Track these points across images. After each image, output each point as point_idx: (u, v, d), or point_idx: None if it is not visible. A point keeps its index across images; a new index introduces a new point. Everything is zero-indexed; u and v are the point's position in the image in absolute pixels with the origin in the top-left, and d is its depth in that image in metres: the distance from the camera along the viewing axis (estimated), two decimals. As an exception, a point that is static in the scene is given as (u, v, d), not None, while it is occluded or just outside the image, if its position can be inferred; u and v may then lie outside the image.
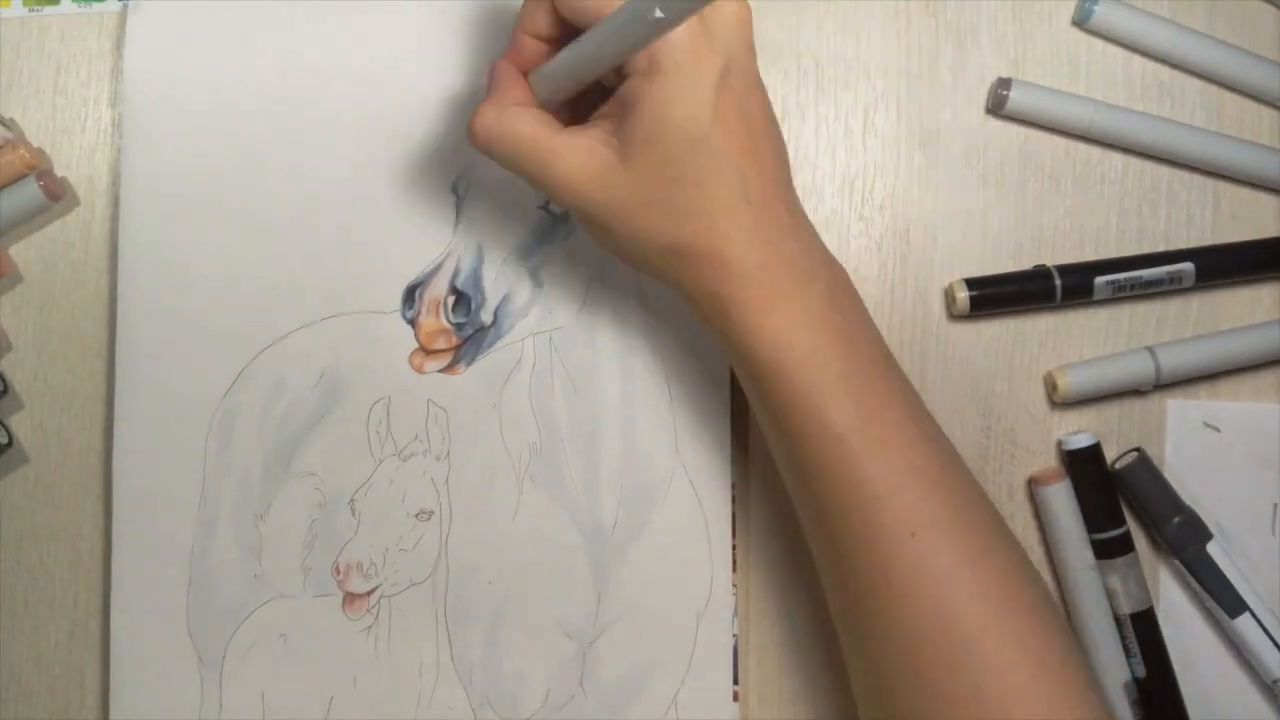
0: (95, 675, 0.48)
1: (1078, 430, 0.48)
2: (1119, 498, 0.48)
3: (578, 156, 0.38)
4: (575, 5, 0.37)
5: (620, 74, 0.38)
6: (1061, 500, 0.48)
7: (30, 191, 0.47)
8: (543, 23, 0.39)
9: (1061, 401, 0.48)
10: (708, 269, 0.38)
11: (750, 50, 0.38)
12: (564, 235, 0.47)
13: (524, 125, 0.38)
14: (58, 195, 0.47)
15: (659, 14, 0.33)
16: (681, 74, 0.36)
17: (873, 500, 0.37)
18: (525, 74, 0.40)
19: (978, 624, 0.37)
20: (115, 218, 0.48)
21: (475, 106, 0.39)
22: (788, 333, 0.38)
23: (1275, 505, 0.49)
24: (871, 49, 0.49)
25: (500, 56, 0.41)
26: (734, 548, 0.47)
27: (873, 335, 0.40)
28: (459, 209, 0.47)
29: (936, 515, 0.38)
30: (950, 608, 0.37)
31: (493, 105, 0.39)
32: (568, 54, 0.38)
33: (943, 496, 0.38)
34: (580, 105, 0.41)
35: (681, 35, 0.36)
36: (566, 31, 0.39)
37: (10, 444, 0.47)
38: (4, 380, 0.48)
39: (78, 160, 0.49)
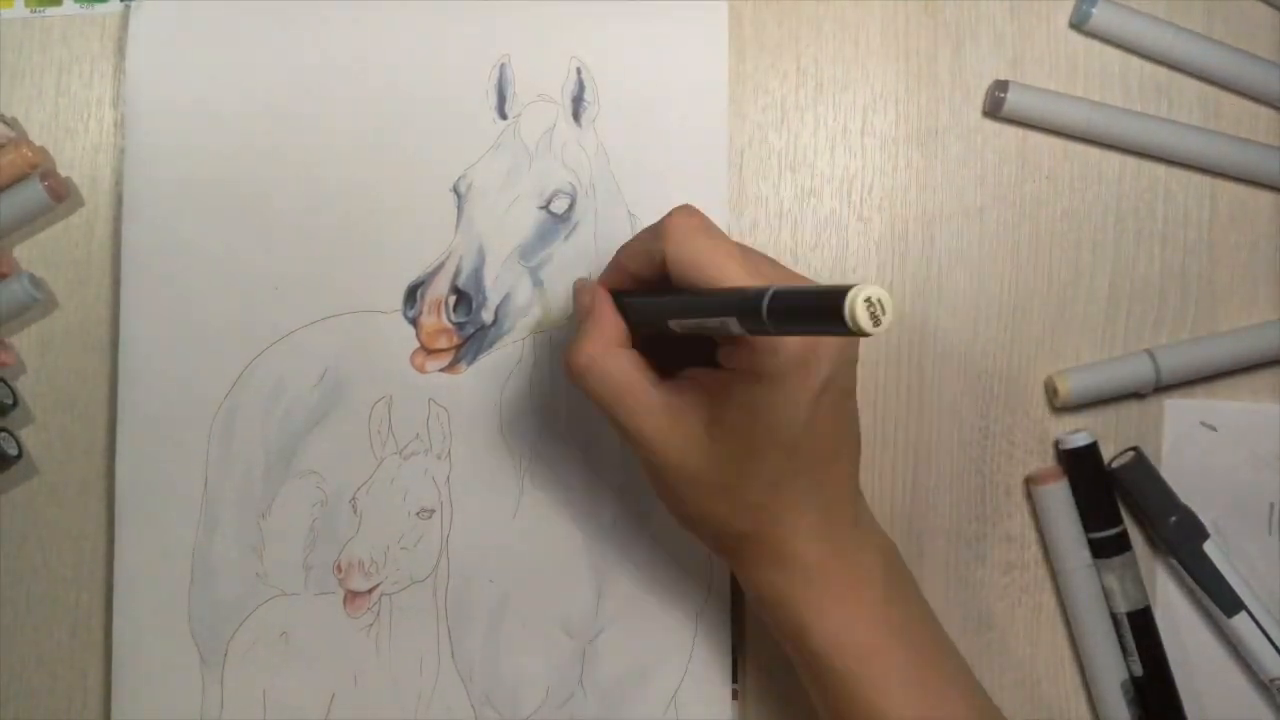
0: (97, 674, 0.48)
1: (1075, 430, 0.48)
2: (1116, 497, 0.48)
3: (668, 418, 0.37)
4: (687, 273, 0.36)
5: (721, 352, 0.38)
6: (1059, 499, 0.48)
7: (34, 192, 0.47)
8: (645, 265, 0.39)
9: (1062, 406, 0.48)
10: (765, 559, 0.39)
11: (853, 365, 0.38)
12: (564, 235, 0.48)
13: (623, 372, 0.38)
14: (61, 196, 0.48)
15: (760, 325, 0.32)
16: (785, 384, 0.36)
17: None
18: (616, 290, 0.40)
19: None
20: (118, 218, 0.48)
21: (574, 337, 0.39)
22: (845, 633, 0.38)
23: (1272, 504, 0.49)
24: (870, 49, 0.49)
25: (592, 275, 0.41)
26: (733, 546, 0.48)
27: (930, 623, 0.41)
28: (460, 209, 0.48)
29: None
30: None
31: (595, 342, 0.38)
32: (670, 303, 0.37)
33: None
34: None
35: (793, 344, 0.36)
36: (665, 279, 0.38)
37: (20, 456, 0.48)
38: (14, 393, 0.48)
39: (80, 160, 0.49)
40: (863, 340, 0.48)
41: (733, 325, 0.33)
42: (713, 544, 0.41)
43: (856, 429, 0.40)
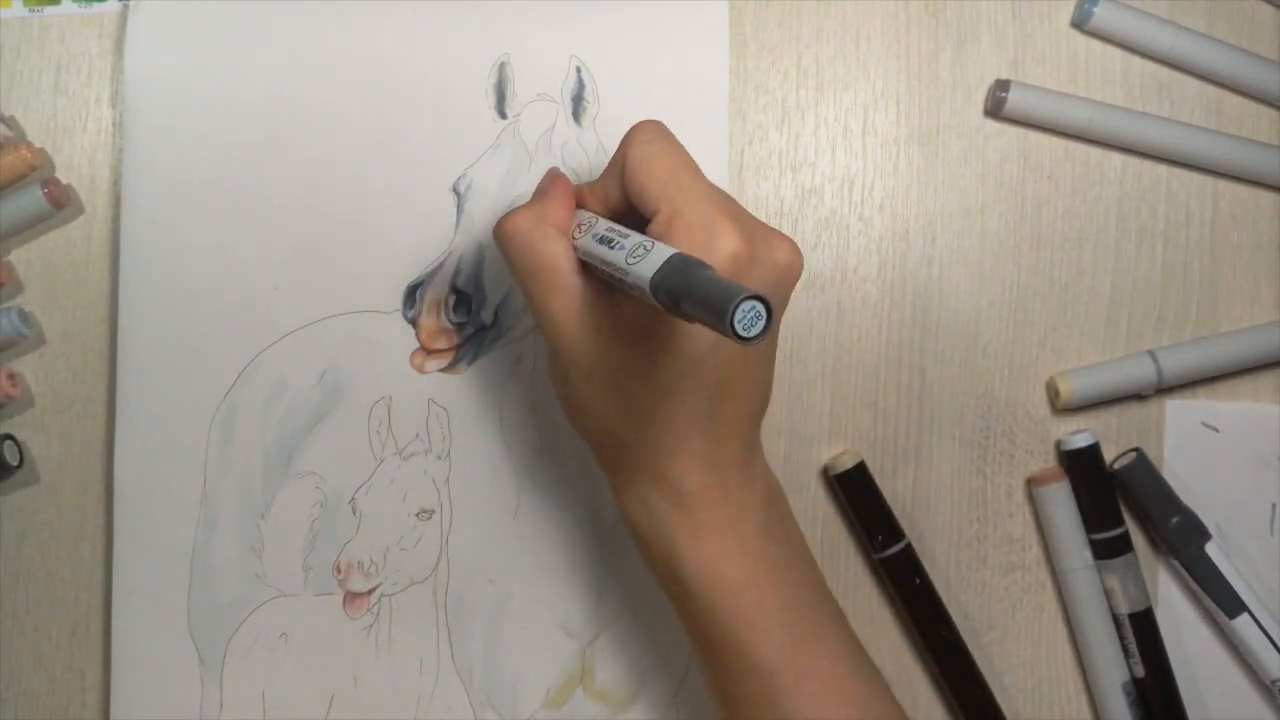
0: (96, 675, 0.48)
1: (1077, 430, 0.48)
2: (1118, 498, 0.48)
3: (581, 302, 0.36)
4: (638, 174, 0.36)
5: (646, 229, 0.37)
6: (1060, 500, 0.48)
7: (34, 199, 0.47)
8: (613, 189, 0.38)
9: (1064, 407, 0.48)
10: (644, 475, 0.38)
11: (785, 300, 0.38)
12: (564, 235, 0.47)
13: (550, 249, 0.37)
14: (62, 204, 0.47)
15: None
16: None
17: None
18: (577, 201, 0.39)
19: None
20: (116, 217, 0.48)
21: (514, 207, 0.39)
22: (717, 564, 0.37)
23: (1274, 505, 0.49)
24: (871, 49, 0.49)
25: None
26: (734, 547, 0.48)
27: (806, 565, 0.40)
28: (460, 208, 0.47)
29: None
30: None
31: (533, 217, 0.38)
32: (607, 231, 0.37)
33: None
34: None
35: (722, 258, 0.35)
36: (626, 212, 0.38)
37: (21, 465, 0.47)
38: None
39: (79, 160, 0.49)
40: (863, 340, 0.48)
41: (639, 285, 0.33)
42: (596, 447, 0.39)
43: (769, 371, 0.39)
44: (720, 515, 0.38)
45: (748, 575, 0.37)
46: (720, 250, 0.35)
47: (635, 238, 0.35)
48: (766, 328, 0.29)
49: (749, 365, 0.38)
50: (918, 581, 0.47)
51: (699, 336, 0.36)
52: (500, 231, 0.38)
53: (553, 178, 0.40)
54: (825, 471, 0.48)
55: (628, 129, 0.38)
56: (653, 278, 0.32)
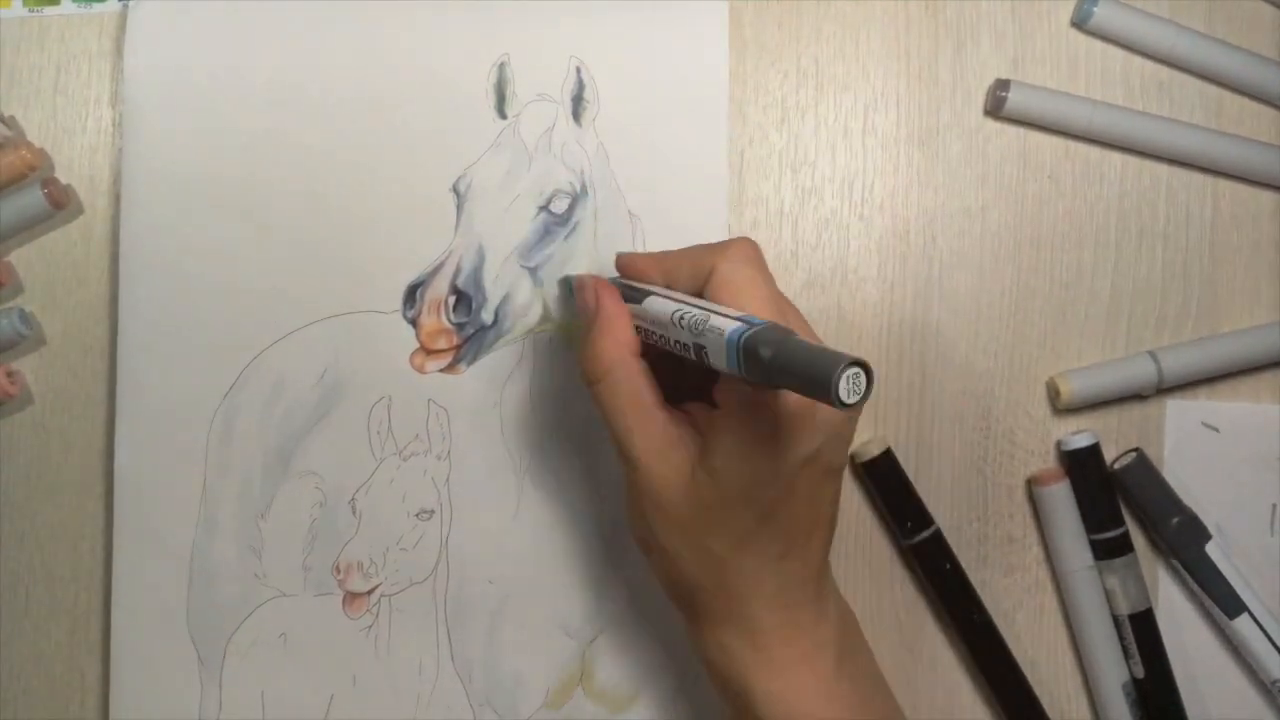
0: (95, 674, 0.48)
1: (1077, 431, 0.48)
2: (1118, 498, 0.48)
3: (664, 444, 0.37)
4: (721, 291, 0.36)
5: (717, 391, 0.37)
6: (1061, 501, 0.48)
7: (34, 199, 0.47)
8: (688, 276, 0.38)
9: (1064, 407, 0.48)
10: (720, 615, 0.38)
11: (846, 445, 0.38)
12: (564, 235, 0.47)
13: (637, 385, 0.37)
14: (62, 204, 0.47)
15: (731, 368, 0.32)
16: (773, 438, 0.35)
17: None
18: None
19: None
20: (116, 217, 0.48)
21: (587, 333, 0.39)
22: (793, 701, 0.37)
23: (1274, 505, 0.49)
24: (871, 49, 0.49)
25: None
26: (734, 547, 0.48)
27: (882, 698, 0.40)
28: (460, 209, 0.47)
29: None
30: None
31: (613, 345, 0.37)
32: (652, 304, 0.37)
33: None
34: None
35: (790, 404, 0.35)
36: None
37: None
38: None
39: (78, 160, 0.49)
40: (863, 340, 0.48)
41: (711, 346, 0.33)
42: (670, 587, 0.40)
43: (835, 509, 0.39)
44: (794, 652, 0.38)
45: (821, 712, 0.37)
46: (783, 396, 0.35)
47: (716, 309, 0.34)
48: (867, 393, 0.28)
49: (820, 506, 0.38)
50: (948, 566, 0.47)
51: (767, 484, 0.36)
52: (592, 374, 0.38)
53: (593, 290, 0.39)
54: (852, 459, 0.48)
55: (725, 242, 0.38)
56: (743, 340, 0.31)
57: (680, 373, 0.38)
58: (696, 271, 0.38)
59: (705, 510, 0.36)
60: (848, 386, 0.28)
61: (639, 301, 0.38)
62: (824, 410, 0.35)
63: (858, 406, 0.29)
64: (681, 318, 0.35)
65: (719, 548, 0.37)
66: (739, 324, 0.33)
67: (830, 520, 0.39)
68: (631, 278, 0.40)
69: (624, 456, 0.38)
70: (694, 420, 0.38)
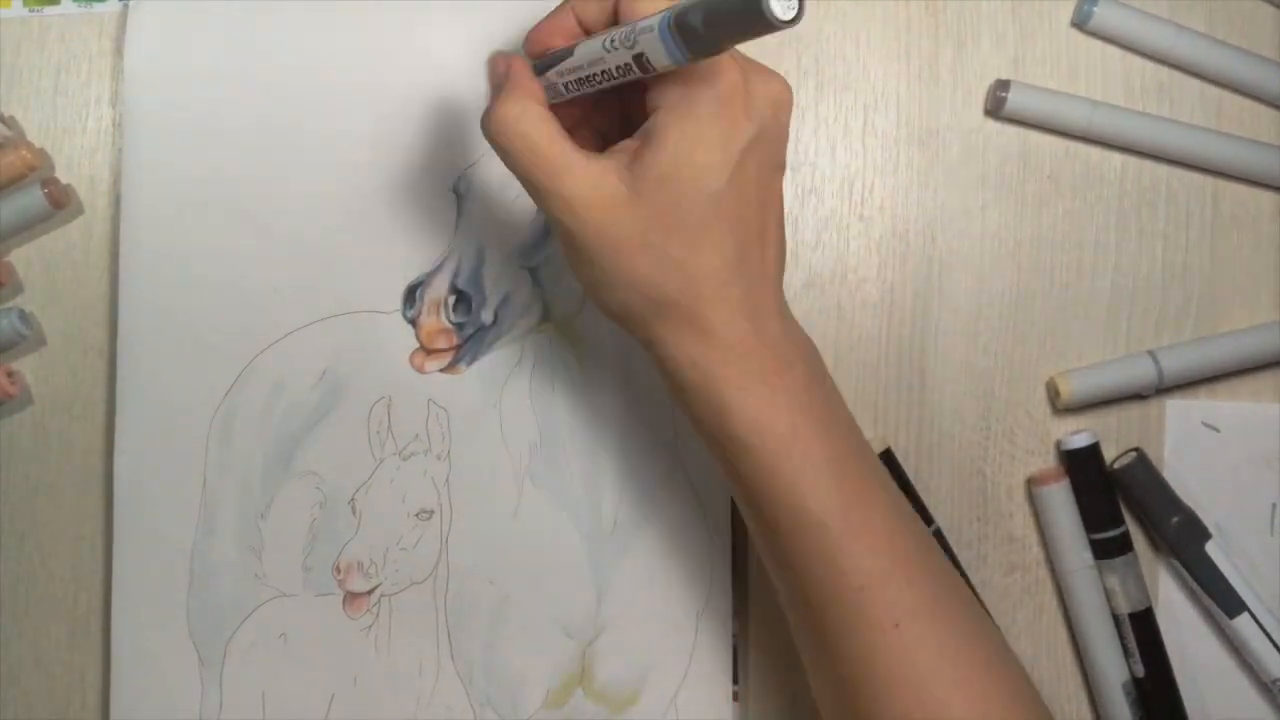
0: (95, 675, 0.48)
1: (1077, 430, 0.48)
2: (1118, 498, 0.48)
3: (589, 178, 0.37)
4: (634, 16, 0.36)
5: (648, 108, 0.37)
6: (1060, 500, 0.48)
7: (34, 199, 0.47)
8: (596, 12, 0.38)
9: (1064, 407, 0.48)
10: (688, 332, 0.37)
11: (784, 135, 0.38)
12: (564, 235, 0.47)
13: (543, 132, 0.37)
14: (62, 204, 0.47)
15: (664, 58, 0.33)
16: (715, 121, 0.36)
17: (856, 591, 0.37)
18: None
19: (961, 715, 0.37)
20: (116, 217, 0.48)
21: (491, 99, 0.38)
22: (767, 414, 0.37)
23: (1274, 505, 0.49)
24: (871, 49, 0.49)
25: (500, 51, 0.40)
26: (734, 547, 0.48)
27: (848, 420, 0.40)
28: (460, 209, 0.47)
29: (918, 606, 0.37)
30: (933, 697, 0.37)
31: (515, 101, 0.37)
32: (582, 50, 0.37)
33: (924, 586, 0.38)
34: (591, 135, 0.41)
35: (724, 87, 0.35)
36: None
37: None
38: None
39: (78, 160, 0.49)
40: (863, 340, 0.48)
41: (648, 47, 0.34)
42: (636, 318, 0.38)
43: (782, 223, 0.39)
44: (766, 365, 0.37)
45: (795, 426, 0.37)
46: (717, 79, 0.35)
47: (624, 27, 0.35)
48: (801, 8, 0.30)
49: (767, 205, 0.38)
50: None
51: (716, 171, 0.36)
52: (490, 129, 0.38)
53: (504, 60, 0.40)
54: None
55: None
56: (673, 16, 0.33)
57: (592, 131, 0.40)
58: (603, 4, 0.38)
59: (658, 215, 0.36)
60: (781, 4, 0.30)
61: (570, 55, 0.38)
62: (756, 95, 0.36)
63: (794, 22, 0.30)
64: (612, 40, 0.35)
65: (676, 249, 0.36)
66: (662, 12, 0.34)
67: (779, 224, 0.39)
68: (546, 48, 0.40)
69: (552, 202, 0.37)
70: (622, 149, 0.38)
